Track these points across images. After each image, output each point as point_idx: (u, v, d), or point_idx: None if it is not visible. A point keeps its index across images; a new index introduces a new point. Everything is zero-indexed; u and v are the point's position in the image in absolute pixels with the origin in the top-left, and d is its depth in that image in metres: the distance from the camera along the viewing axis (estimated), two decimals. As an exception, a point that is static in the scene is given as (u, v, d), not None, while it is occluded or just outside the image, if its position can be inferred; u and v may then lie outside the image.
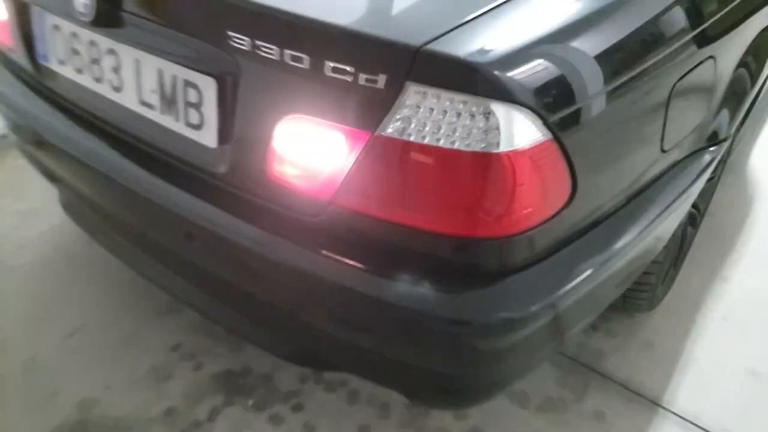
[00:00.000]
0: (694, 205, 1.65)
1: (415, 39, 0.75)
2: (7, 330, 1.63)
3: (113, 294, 1.73)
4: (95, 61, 1.11)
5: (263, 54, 0.84)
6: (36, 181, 2.12)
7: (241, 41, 0.86)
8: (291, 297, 1.04)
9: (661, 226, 1.11)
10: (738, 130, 1.65)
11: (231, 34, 0.86)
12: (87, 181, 1.27)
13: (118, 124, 1.13)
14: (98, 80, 1.12)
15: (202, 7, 0.92)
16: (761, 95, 1.87)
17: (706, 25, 1.04)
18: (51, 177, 1.50)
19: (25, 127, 1.36)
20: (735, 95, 1.23)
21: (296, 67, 0.82)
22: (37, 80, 1.28)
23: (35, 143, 1.36)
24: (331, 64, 0.79)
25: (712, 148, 1.20)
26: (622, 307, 1.59)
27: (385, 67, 0.77)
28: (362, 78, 0.78)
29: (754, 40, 1.24)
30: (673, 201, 1.11)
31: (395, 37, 0.76)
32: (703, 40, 1.04)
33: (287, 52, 0.82)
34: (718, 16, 1.07)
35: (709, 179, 1.65)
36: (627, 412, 1.45)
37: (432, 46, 0.74)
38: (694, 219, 1.70)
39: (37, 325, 1.64)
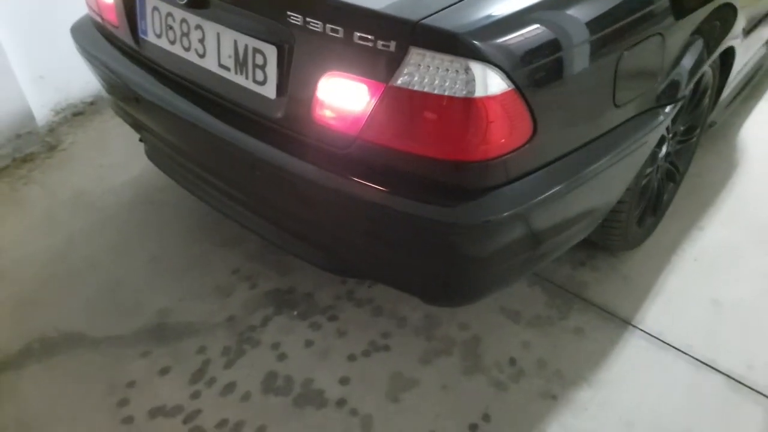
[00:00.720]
0: (672, 163, 1.94)
1: (415, 15, 1.08)
2: (98, 256, 2.02)
3: (184, 230, 2.11)
4: (185, 35, 1.47)
5: (311, 27, 1.19)
6: (118, 140, 2.55)
7: (296, 18, 1.20)
8: (328, 214, 1.39)
9: (615, 167, 1.40)
10: (712, 98, 1.92)
11: (289, 12, 1.20)
12: (173, 128, 1.64)
13: (201, 82, 1.49)
14: (187, 49, 1.49)
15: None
16: (746, 71, 2.13)
17: (652, 7, 1.33)
18: (139, 128, 1.88)
19: (122, 88, 1.73)
20: (686, 65, 1.51)
21: (334, 36, 1.16)
22: (137, 51, 1.65)
23: (131, 101, 1.73)
24: (358, 34, 1.13)
25: (665, 107, 1.49)
26: (603, 244, 1.89)
27: (395, 36, 1.10)
28: (380, 44, 1.12)
29: (704, 21, 1.51)
30: (627, 148, 1.40)
31: (401, 15, 1.10)
32: (649, 19, 1.33)
33: (328, 25, 1.16)
34: (659, 2, 1.35)
35: (687, 140, 1.94)
36: (602, 328, 1.75)
37: (427, 21, 1.07)
38: (672, 175, 1.98)
39: (122, 252, 2.04)
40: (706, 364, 1.65)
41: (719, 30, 1.63)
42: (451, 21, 1.08)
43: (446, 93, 1.11)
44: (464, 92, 1.10)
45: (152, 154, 1.95)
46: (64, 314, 1.83)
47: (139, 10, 1.59)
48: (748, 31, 1.86)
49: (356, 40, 1.14)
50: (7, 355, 1.71)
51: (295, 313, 1.82)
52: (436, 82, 1.11)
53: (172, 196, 2.25)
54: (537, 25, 1.15)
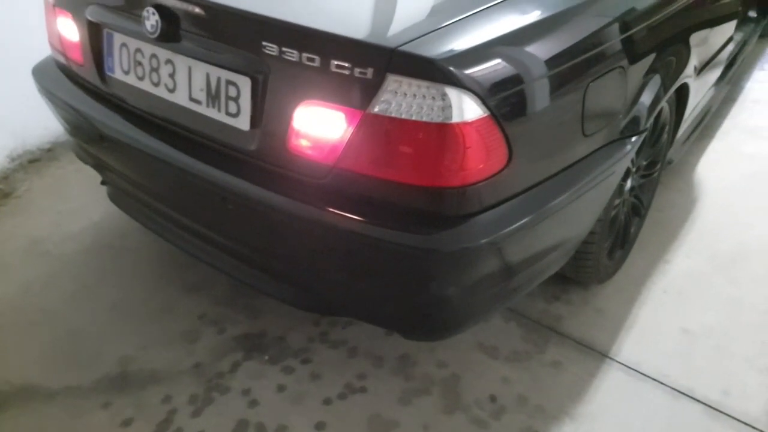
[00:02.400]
0: (637, 197, 1.99)
1: (392, 43, 1.09)
2: (56, 305, 1.92)
3: (146, 275, 2.04)
4: (154, 70, 1.45)
5: (286, 57, 1.18)
6: (76, 187, 2.48)
7: (271, 48, 1.20)
8: (304, 247, 1.36)
9: (587, 195, 1.43)
10: (670, 135, 1.99)
11: (264, 43, 1.20)
12: (140, 166, 1.60)
13: (170, 117, 1.46)
14: (156, 84, 1.46)
15: (242, 25, 1.26)
16: (695, 111, 2.23)
17: (613, 42, 1.39)
18: (103, 170, 1.83)
19: (87, 128, 1.68)
20: (646, 100, 1.56)
21: (310, 65, 1.16)
22: (103, 89, 1.62)
23: (96, 140, 1.69)
24: (335, 62, 1.13)
25: (630, 139, 1.53)
26: (576, 278, 1.90)
27: (372, 63, 1.11)
28: (357, 71, 1.12)
29: (657, 59, 1.58)
30: (597, 177, 1.43)
31: (379, 42, 1.11)
32: (611, 54, 1.39)
33: (304, 54, 1.16)
34: (623, 36, 1.41)
35: (648, 174, 1.99)
36: (580, 361, 1.74)
37: (404, 48, 1.08)
38: (637, 209, 2.02)
39: (81, 300, 1.94)
40: (684, 393, 1.65)
41: (674, 67, 1.71)
42: (428, 48, 1.09)
43: (423, 119, 1.12)
44: (441, 118, 1.11)
45: (116, 196, 1.89)
46: (19, 366, 1.72)
47: (106, 47, 1.57)
48: (699, 71, 1.96)
49: (333, 69, 1.14)
50: (-47, 412, 1.58)
51: (267, 357, 1.75)
52: (413, 108, 1.12)
53: (133, 242, 2.17)
54: (511, 54, 1.18)
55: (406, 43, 1.09)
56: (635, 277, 2.04)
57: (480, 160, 1.16)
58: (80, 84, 1.72)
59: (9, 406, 1.60)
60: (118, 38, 1.52)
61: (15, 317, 1.87)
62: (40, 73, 1.87)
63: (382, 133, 1.16)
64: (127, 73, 1.53)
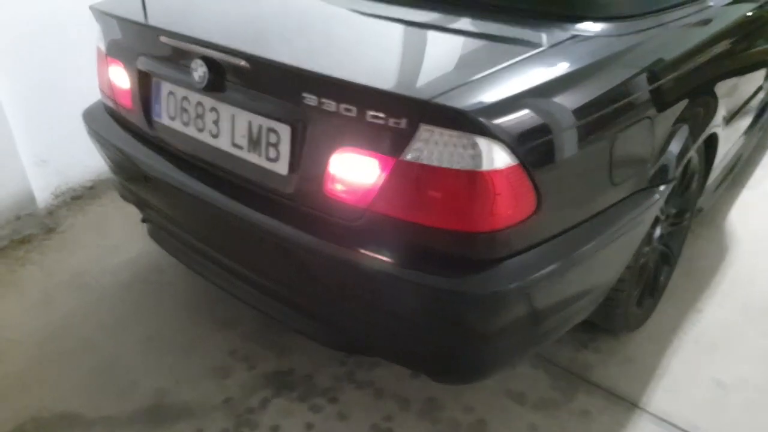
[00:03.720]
0: (666, 245, 1.99)
1: (425, 95, 1.15)
2: (94, 335, 1.99)
3: (181, 310, 2.10)
4: (200, 116, 1.54)
5: (325, 107, 1.25)
6: (116, 224, 2.58)
7: (310, 99, 1.27)
8: (337, 287, 1.40)
9: (615, 243, 1.45)
10: (700, 183, 2.00)
11: (304, 94, 1.27)
12: (182, 206, 1.67)
13: (213, 161, 1.54)
14: (200, 130, 1.55)
15: (284, 77, 1.34)
16: (725, 159, 2.23)
17: (640, 93, 1.43)
18: (145, 208, 1.92)
19: (133, 169, 1.78)
20: (675, 148, 1.59)
21: (347, 115, 1.23)
22: (149, 133, 1.71)
23: (141, 181, 1.77)
24: (371, 113, 1.19)
25: (659, 188, 1.55)
26: (605, 325, 1.89)
27: (406, 114, 1.16)
28: (391, 121, 1.18)
29: (686, 109, 1.61)
30: (625, 225, 1.45)
31: (413, 94, 1.17)
32: (638, 105, 1.42)
33: (342, 105, 1.22)
34: (651, 87, 1.45)
35: (677, 223, 2.00)
36: (609, 411, 1.72)
37: (437, 100, 1.14)
38: (667, 257, 2.02)
39: (118, 332, 2.01)
40: (716, 447, 1.62)
41: (703, 117, 1.73)
42: (459, 100, 1.14)
43: (454, 166, 1.17)
44: (471, 166, 1.16)
45: (155, 233, 1.97)
46: (57, 394, 1.77)
47: (154, 95, 1.67)
48: (729, 120, 1.97)
49: (368, 118, 1.20)
50: (-5, 439, 1.64)
51: (295, 395, 1.78)
52: (444, 156, 1.17)
53: (169, 277, 2.24)
54: (539, 105, 1.22)
55: (438, 96, 1.14)
56: (666, 326, 2.02)
57: (509, 207, 1.20)
58: (128, 128, 1.82)
59: (48, 434, 1.66)
60: (166, 87, 1.62)
61: (56, 346, 1.94)
62: (90, 116, 1.98)
63: (414, 180, 1.21)
64: (173, 119, 1.62)
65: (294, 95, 1.30)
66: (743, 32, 1.92)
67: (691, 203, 2.02)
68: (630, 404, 1.74)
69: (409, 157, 1.19)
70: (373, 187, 1.25)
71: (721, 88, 1.83)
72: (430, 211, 1.22)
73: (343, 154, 1.28)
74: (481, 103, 1.15)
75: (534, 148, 1.20)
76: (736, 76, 1.96)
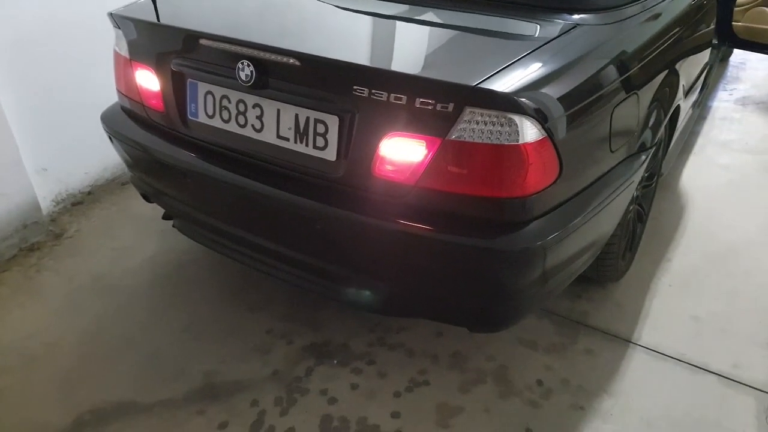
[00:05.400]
0: (640, 204, 2.28)
1: (470, 81, 1.36)
2: (131, 332, 2.10)
3: (209, 300, 2.23)
4: (241, 113, 1.68)
5: (375, 97, 1.44)
6: (123, 226, 2.67)
7: (361, 91, 1.45)
8: (388, 257, 1.59)
9: (614, 202, 1.71)
10: (663, 150, 2.31)
11: (355, 87, 1.46)
12: (220, 196, 1.81)
13: (255, 153, 1.69)
14: (242, 126, 1.69)
15: (334, 72, 1.51)
16: (680, 129, 2.56)
17: (630, 73, 1.69)
18: (169, 202, 2.04)
19: (159, 167, 1.89)
20: (653, 119, 1.87)
21: (397, 103, 1.42)
22: (184, 131, 1.84)
23: (169, 177, 1.90)
24: (420, 99, 1.39)
25: (642, 153, 1.83)
26: (596, 277, 2.17)
27: (453, 98, 1.37)
28: (439, 106, 1.38)
29: (660, 86, 1.90)
30: (621, 185, 1.71)
31: (459, 81, 1.38)
32: (628, 84, 1.69)
33: (392, 95, 1.42)
34: (634, 70, 1.72)
35: (648, 185, 2.30)
36: (609, 348, 2.00)
37: (481, 85, 1.35)
38: (641, 216, 2.32)
39: (154, 327, 2.12)
40: (700, 368, 1.92)
41: (670, 92, 2.03)
42: (497, 84, 1.36)
43: (494, 142, 1.38)
44: (509, 140, 1.38)
45: (185, 227, 2.09)
46: (110, 386, 1.88)
47: (189, 95, 1.80)
48: (686, 93, 2.29)
49: (417, 105, 1.40)
50: (62, 429, 1.74)
51: (335, 361, 1.96)
52: (485, 133, 1.38)
53: (191, 272, 2.36)
54: (558, 87, 1.46)
55: (481, 81, 1.36)
56: (643, 274, 2.33)
57: (539, 174, 1.43)
58: (155, 128, 1.92)
59: (111, 420, 1.77)
60: (203, 87, 1.75)
61: (95, 346, 2.04)
62: (109, 119, 2.07)
63: (458, 156, 1.42)
64: (211, 117, 1.76)
65: (344, 88, 1.48)
66: (693, 17, 2.24)
67: (658, 168, 2.33)
68: (624, 341, 2.03)
69: (454, 136, 1.40)
70: (420, 166, 1.46)
71: (683, 65, 2.13)
72: (471, 182, 1.44)
73: (392, 139, 1.47)
74: (514, 86, 1.37)
75: (556, 123, 1.43)
76: (692, 54, 2.27)
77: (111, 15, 1.95)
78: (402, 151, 1.47)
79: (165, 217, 2.23)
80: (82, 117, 2.62)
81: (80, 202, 2.83)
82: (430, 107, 1.40)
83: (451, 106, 1.38)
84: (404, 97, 1.41)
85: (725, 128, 3.51)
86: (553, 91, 1.44)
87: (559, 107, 1.44)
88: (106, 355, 2.01)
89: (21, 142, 2.50)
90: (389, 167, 1.50)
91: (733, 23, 3.53)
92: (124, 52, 1.95)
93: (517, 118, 1.37)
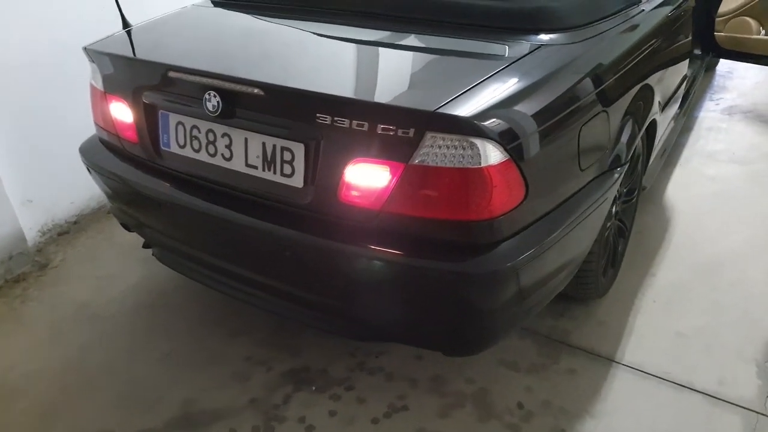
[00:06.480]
0: (621, 221, 2.27)
1: (430, 106, 1.36)
2: (112, 361, 2.10)
3: (192, 327, 2.22)
4: (211, 143, 1.69)
5: (338, 125, 1.45)
6: (108, 254, 2.67)
7: (324, 119, 1.46)
8: (356, 283, 1.59)
9: (587, 220, 1.70)
10: (643, 165, 2.30)
11: (318, 115, 1.46)
12: (196, 226, 1.82)
13: (226, 182, 1.70)
14: (212, 155, 1.70)
15: (298, 101, 1.52)
16: (661, 142, 2.55)
17: (596, 90, 1.69)
18: (148, 232, 2.04)
19: (136, 197, 1.90)
20: (626, 136, 1.87)
21: (359, 130, 1.42)
22: (157, 162, 1.85)
23: (146, 207, 1.90)
24: (381, 126, 1.40)
25: (616, 169, 1.82)
26: (577, 295, 2.15)
27: (414, 124, 1.37)
28: (400, 131, 1.39)
29: (631, 102, 1.90)
30: (593, 204, 1.71)
31: (419, 107, 1.38)
32: (596, 103, 1.68)
33: (354, 122, 1.42)
34: (603, 87, 1.72)
35: (628, 200, 2.29)
36: (591, 367, 1.98)
37: (440, 110, 1.35)
38: (622, 231, 2.31)
39: (135, 355, 2.12)
40: (685, 386, 1.89)
41: (645, 106, 2.03)
42: (457, 109, 1.36)
43: (456, 165, 1.38)
44: (471, 164, 1.38)
45: (163, 256, 2.10)
46: (89, 417, 1.88)
47: (161, 126, 1.81)
48: (663, 107, 2.28)
49: (379, 131, 1.41)
50: (38, 463, 1.73)
51: (314, 388, 1.95)
52: (447, 157, 1.38)
53: (174, 299, 2.36)
54: (520, 108, 1.46)
55: (441, 106, 1.36)
56: (627, 290, 2.31)
57: (504, 196, 1.43)
58: (130, 159, 1.94)
59: (88, 452, 1.76)
60: (174, 117, 1.77)
61: (77, 375, 2.04)
62: (88, 151, 2.09)
63: (422, 180, 1.42)
64: (183, 147, 1.77)
65: (307, 116, 1.49)
66: (668, 30, 2.24)
67: (638, 182, 2.32)
68: (607, 360, 2.01)
69: (417, 161, 1.40)
70: (385, 191, 1.45)
71: (656, 79, 2.13)
72: (437, 205, 1.44)
73: (356, 165, 1.47)
74: (475, 110, 1.37)
75: (520, 145, 1.43)
76: (667, 68, 2.28)
77: (85, 50, 1.97)
78: (367, 177, 1.47)
79: (145, 245, 2.23)
80: (67, 146, 2.61)
81: (66, 232, 2.83)
82: (391, 133, 1.40)
83: (412, 132, 1.38)
84: (366, 124, 1.42)
85: (711, 139, 3.50)
86: (516, 113, 1.44)
87: (522, 129, 1.44)
88: (87, 384, 2.00)
89: (5, 174, 2.51)
90: (355, 193, 1.50)
91: (715, 33, 3.56)
92: (99, 85, 1.97)
93: (478, 141, 1.36)
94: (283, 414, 1.86)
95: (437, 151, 1.38)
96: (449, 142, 1.37)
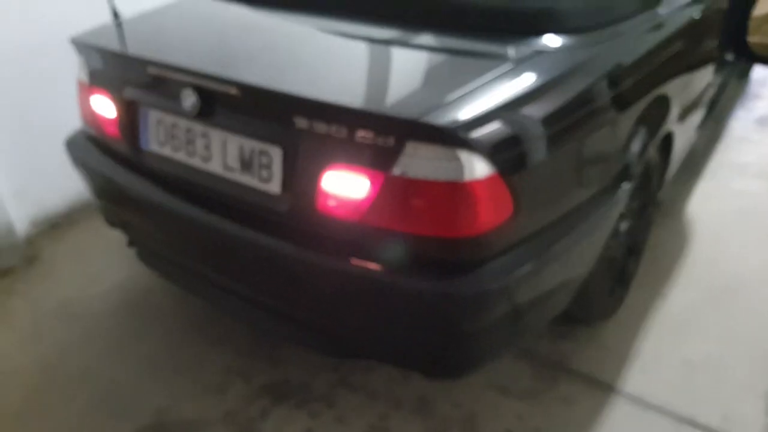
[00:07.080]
0: (632, 237, 2.13)
1: (411, 114, 1.25)
2: (90, 362, 2.03)
3: (173, 331, 2.14)
4: (190, 142, 1.60)
5: (315, 129, 1.34)
6: (97, 250, 2.61)
7: (302, 122, 1.35)
8: (334, 297, 1.48)
9: (586, 239, 1.57)
10: (658, 179, 2.16)
11: (296, 118, 1.36)
12: (173, 228, 1.73)
13: (204, 184, 1.61)
14: (191, 155, 1.61)
15: (275, 102, 1.42)
16: (680, 155, 2.39)
17: (601, 100, 1.56)
18: (131, 231, 1.97)
19: (121, 195, 1.82)
20: (635, 149, 1.73)
21: (337, 136, 1.32)
22: (137, 159, 1.77)
23: (126, 206, 1.83)
24: (360, 133, 1.29)
25: (622, 184, 1.69)
26: (580, 316, 2.02)
27: (395, 132, 1.26)
28: (380, 140, 1.28)
29: (642, 113, 1.75)
30: (593, 222, 1.57)
31: (400, 115, 1.27)
32: (600, 111, 1.55)
33: (333, 126, 1.32)
34: (610, 94, 1.59)
35: (642, 216, 2.14)
36: (588, 395, 1.85)
37: (422, 119, 1.24)
38: (633, 249, 2.16)
39: (114, 356, 2.05)
40: (687, 421, 1.75)
41: (659, 117, 1.88)
42: (441, 118, 1.25)
43: (439, 178, 1.27)
44: (454, 177, 1.26)
45: (145, 257, 2.02)
46: (62, 421, 1.81)
47: (141, 123, 1.73)
48: (682, 117, 2.13)
49: (358, 138, 1.30)
50: (1, 469, 1.67)
51: (293, 402, 1.85)
52: (430, 169, 1.27)
53: (158, 300, 2.29)
54: (512, 119, 1.33)
55: (423, 115, 1.24)
56: (636, 312, 2.16)
57: (489, 212, 1.31)
58: (114, 155, 1.87)
59: (53, 460, 1.69)
60: (154, 115, 1.68)
61: (52, 376, 1.98)
62: (73, 145, 2.02)
63: (402, 192, 1.31)
64: (162, 145, 1.68)
65: (285, 119, 1.39)
66: (688, 35, 2.08)
67: (652, 197, 2.17)
68: (607, 387, 1.87)
69: (397, 171, 1.29)
70: (364, 201, 1.35)
71: (675, 89, 1.97)
72: (418, 220, 1.33)
73: (334, 172, 1.37)
74: (461, 119, 1.25)
75: (509, 158, 1.31)
76: (687, 77, 2.12)
77: (73, 41, 1.90)
78: (345, 186, 1.37)
79: (129, 243, 2.16)
80: (59, 138, 2.57)
81: (58, 225, 2.78)
82: (370, 141, 1.29)
83: (392, 140, 1.27)
84: (344, 130, 1.31)
85: (742, 150, 3.30)
86: (506, 123, 1.32)
87: (512, 141, 1.32)
88: (62, 386, 1.93)
89: (-3, 165, 2.47)
90: (332, 202, 1.39)
91: (748, 38, 3.36)
92: (85, 78, 1.90)
93: (462, 153, 1.25)
94: (259, 428, 1.77)
95: (419, 161, 1.27)
96: (432, 153, 1.26)
